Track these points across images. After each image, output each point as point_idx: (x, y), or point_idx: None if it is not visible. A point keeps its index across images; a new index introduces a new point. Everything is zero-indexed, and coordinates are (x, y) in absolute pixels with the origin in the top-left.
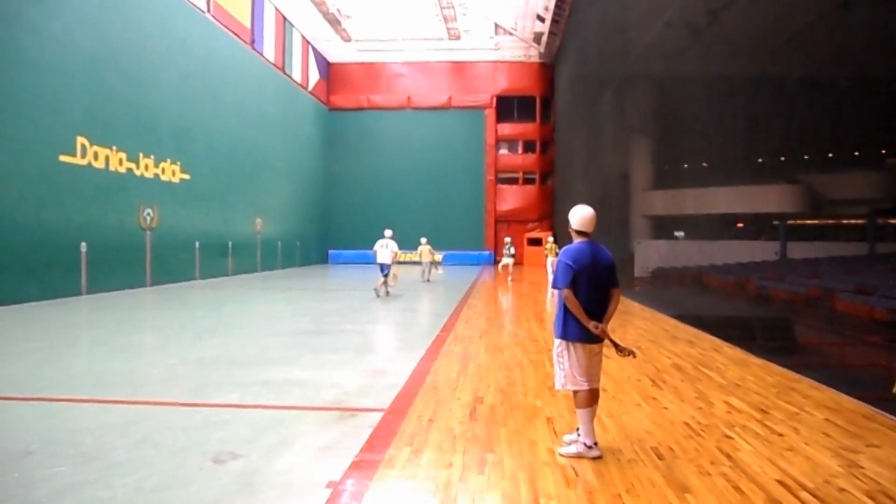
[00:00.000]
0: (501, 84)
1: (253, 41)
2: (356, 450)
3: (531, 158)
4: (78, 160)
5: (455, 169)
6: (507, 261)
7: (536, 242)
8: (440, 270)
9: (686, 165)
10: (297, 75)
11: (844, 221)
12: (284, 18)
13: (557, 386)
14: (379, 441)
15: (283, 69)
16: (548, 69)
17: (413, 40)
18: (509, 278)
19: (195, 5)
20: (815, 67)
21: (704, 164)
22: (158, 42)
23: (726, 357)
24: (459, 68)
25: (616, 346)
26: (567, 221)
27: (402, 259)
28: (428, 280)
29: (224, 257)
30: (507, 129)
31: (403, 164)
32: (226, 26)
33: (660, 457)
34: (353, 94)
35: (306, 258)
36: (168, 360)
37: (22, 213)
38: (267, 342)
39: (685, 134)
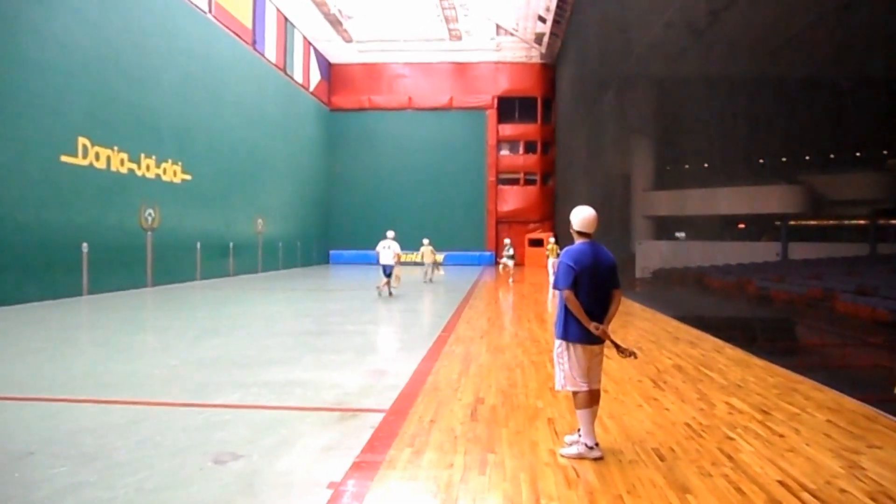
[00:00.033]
0: (502, 85)
1: (254, 42)
2: (357, 450)
3: (532, 159)
4: (79, 160)
5: (456, 169)
6: (506, 262)
7: (538, 243)
8: (441, 272)
9: (687, 166)
10: (298, 76)
11: (846, 222)
12: (286, 19)
13: (557, 386)
14: (380, 442)
15: (284, 70)
16: (549, 70)
17: (414, 41)
18: (510, 279)
19: (196, 6)
20: (816, 68)
21: (705, 165)
22: (159, 42)
23: (728, 358)
24: (460, 69)
25: (617, 347)
26: (568, 222)
27: (403, 260)
28: (430, 280)
29: (225, 258)
30: (508, 129)
31: (404, 165)
32: (227, 27)
33: (661, 458)
34: (354, 95)
35: (307, 258)
36: (169, 360)
37: (23, 214)
38: (268, 342)
39: (686, 134)
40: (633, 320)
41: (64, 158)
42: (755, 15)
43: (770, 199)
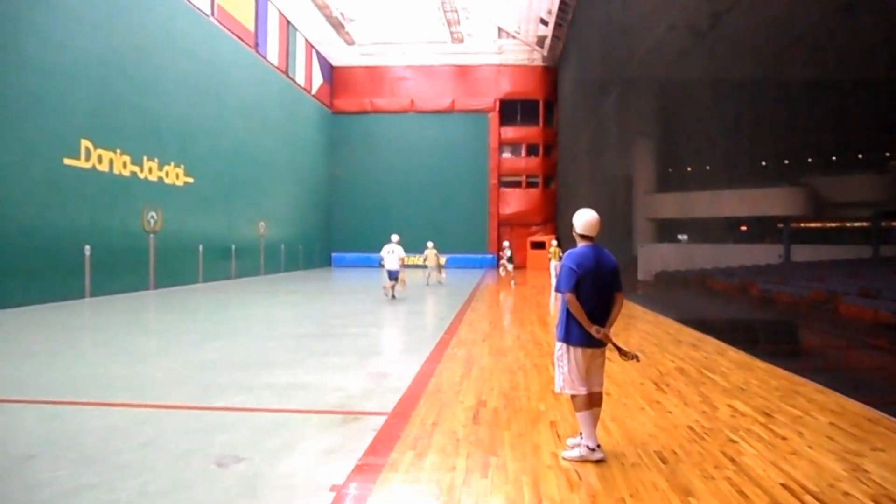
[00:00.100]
0: (504, 87)
1: (257, 45)
2: (359, 453)
3: (534, 162)
4: (82, 163)
5: (458, 172)
6: (505, 264)
7: (540, 246)
8: (443, 275)
9: (689, 168)
10: (300, 79)
11: (848, 224)
12: (288, 22)
13: (556, 389)
14: (382, 445)
15: (286, 73)
16: (551, 72)
17: (416, 44)
18: (512, 282)
19: (199, 9)
20: (818, 70)
21: (708, 168)
22: (162, 46)
23: (730, 360)
24: (462, 72)
25: (619, 350)
26: (571, 225)
27: (406, 263)
28: (439, 283)
29: (227, 260)
30: (510, 132)
31: (406, 168)
32: (229, 30)
33: (663, 461)
34: (356, 98)
35: (309, 261)
36: (171, 363)
37: (26, 216)
38: (270, 345)
39: (688, 137)
40: (635, 323)
41: (67, 161)
42: (757, 18)
43: (772, 202)
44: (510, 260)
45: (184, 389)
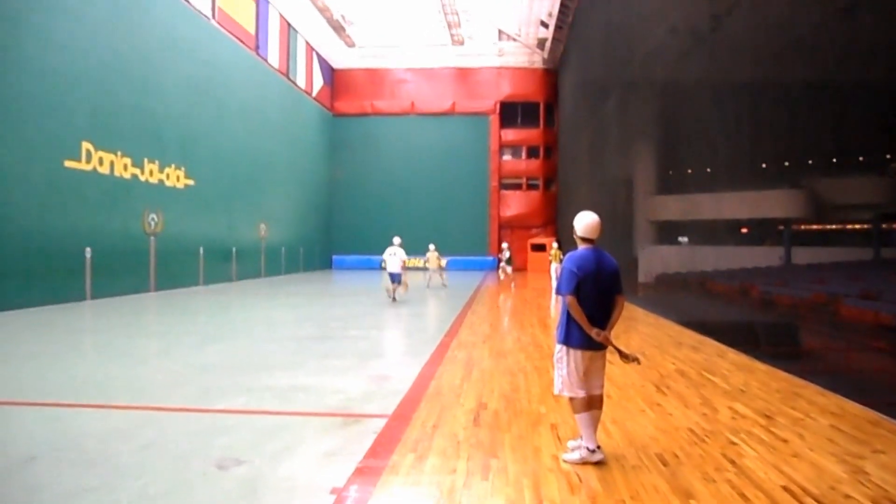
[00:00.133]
0: (505, 90)
1: (257, 47)
2: (360, 456)
3: (535, 164)
4: (83, 165)
5: (459, 174)
6: (504, 267)
7: (540, 248)
8: (443, 278)
9: (690, 170)
10: (301, 81)
11: (849, 226)
12: (289, 24)
13: (555, 391)
14: (383, 447)
15: (287, 75)
16: (551, 75)
17: (417, 46)
18: (512, 284)
19: (200, 12)
20: (819, 72)
21: (708, 170)
22: (163, 48)
23: (731, 363)
24: (463, 74)
25: (620, 352)
26: (571, 227)
27: (408, 265)
28: (443, 285)
29: (228, 263)
30: (510, 134)
31: (407, 170)
32: (230, 32)
33: (664, 463)
34: (357, 100)
35: (310, 263)
36: (172, 365)
37: (27, 218)
38: (270, 347)
39: (689, 139)
40: (635, 325)
41: (67, 163)
42: (757, 19)
43: (773, 204)
44: (509, 262)
45: (184, 392)
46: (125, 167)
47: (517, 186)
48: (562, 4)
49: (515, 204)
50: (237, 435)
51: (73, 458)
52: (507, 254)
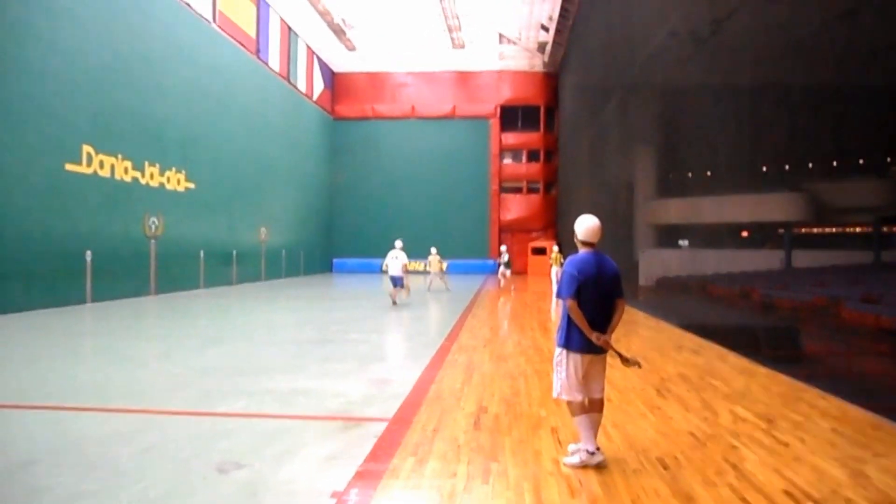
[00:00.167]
0: (505, 93)
1: (258, 51)
2: (360, 459)
3: (535, 167)
4: (84, 169)
5: (459, 178)
6: (504, 271)
7: (541, 252)
8: (445, 281)
9: (690, 174)
10: (301, 85)
11: (849, 229)
12: (289, 28)
13: (554, 394)
14: (383, 451)
15: (287, 79)
16: (552, 78)
17: (417, 50)
18: (512, 287)
19: (201, 15)
20: (819, 75)
21: (709, 173)
22: (164, 51)
23: (731, 366)
24: (463, 78)
25: (621, 356)
26: (572, 231)
27: (409, 269)
28: (447, 289)
29: (228, 266)
30: (511, 138)
31: (408, 174)
32: (231, 36)
33: (665, 467)
34: (357, 104)
35: (310, 267)
36: (173, 368)
37: (28, 222)
38: (271, 351)
39: (689, 142)
40: (636, 329)
41: (68, 167)
42: (758, 23)
43: (773, 207)
44: (508, 265)
45: (185, 395)
46: (126, 170)
47: (518, 190)
48: (562, 8)
49: (516, 207)
50: (237, 438)
51: (73, 461)
52: (505, 257)
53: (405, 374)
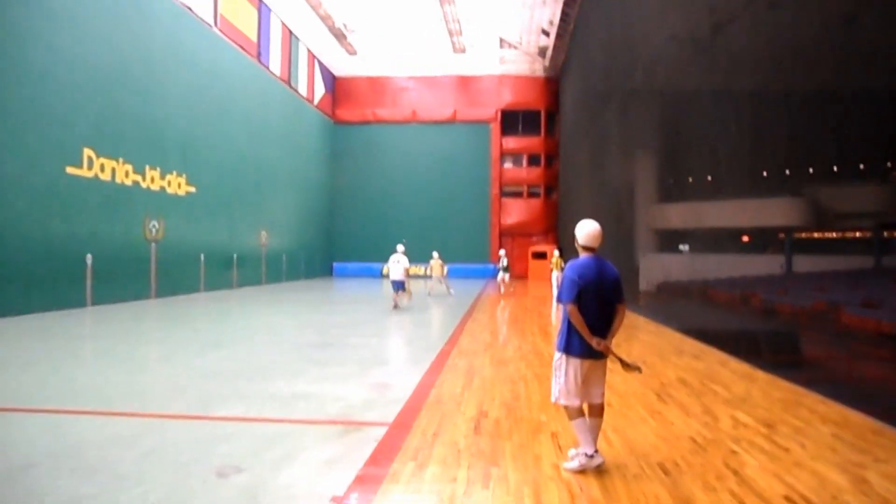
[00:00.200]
0: (506, 98)
1: (259, 55)
2: (360, 464)
3: (536, 172)
4: (84, 172)
5: (460, 182)
6: (502, 275)
7: (541, 256)
8: (442, 285)
9: (691, 179)
10: (302, 89)
11: (850, 235)
12: (291, 32)
13: (552, 399)
14: (383, 455)
15: (289, 83)
16: (552, 83)
17: (418, 54)
18: (511, 289)
19: (202, 19)
20: (820, 81)
21: (709, 178)
22: (166, 55)
23: (732, 371)
24: (464, 82)
25: (622, 361)
26: (572, 235)
27: (410, 273)
28: (449, 294)
29: (229, 269)
30: (511, 142)
31: (408, 178)
32: (232, 40)
33: (665, 472)
34: (358, 108)
35: (311, 271)
36: (173, 372)
37: (28, 225)
38: (272, 355)
39: (690, 147)
40: (637, 333)
41: (69, 170)
42: (758, 28)
43: (774, 212)
44: (506, 270)
45: (185, 399)
46: (127, 174)
47: (518, 194)
48: (563, 13)
49: (516, 212)
50: (237, 442)
51: (73, 465)
52: (505, 261)
53: (405, 378)
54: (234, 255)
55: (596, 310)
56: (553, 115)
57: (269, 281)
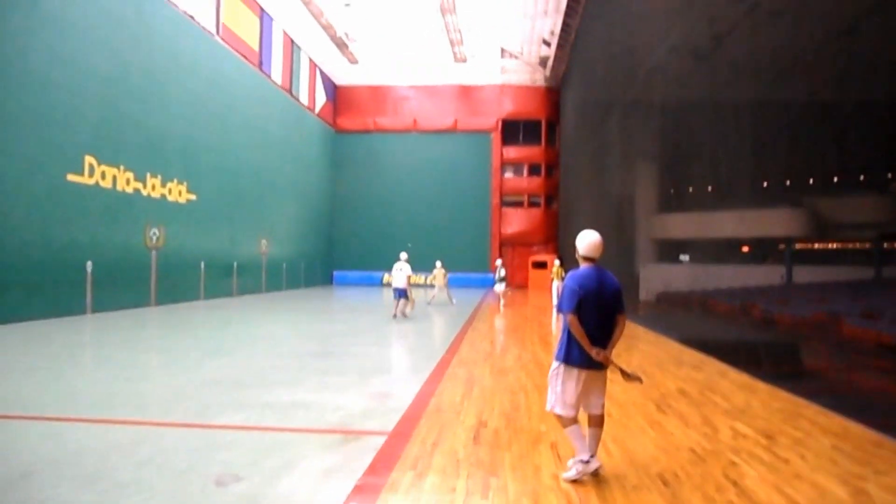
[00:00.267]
0: (507, 107)
1: (261, 63)
2: (359, 473)
3: (536, 182)
4: (85, 179)
5: (460, 192)
6: (499, 287)
7: (541, 266)
8: (444, 294)
9: (691, 189)
10: (304, 97)
11: (850, 245)
12: (292, 41)
13: (547, 407)
14: (382, 465)
15: (290, 91)
16: (553, 93)
17: (419, 64)
18: (510, 296)
19: (204, 27)
20: (820, 91)
21: (709, 188)
22: (167, 63)
23: (732, 382)
24: (465, 92)
25: (622, 371)
26: (572, 245)
27: (413, 282)
28: (451, 303)
29: (229, 277)
30: (512, 152)
31: (409, 187)
32: (234, 48)
33: (665, 483)
34: (359, 117)
35: (311, 279)
36: (172, 380)
37: (29, 232)
38: (271, 363)
39: (690, 158)
40: (636, 344)
41: (70, 177)
42: (758, 39)
43: (774, 223)
44: (503, 280)
45: (184, 407)
46: (127, 181)
47: (518, 204)
48: (564, 23)
49: (517, 221)
50: (237, 451)
51: (73, 472)
52: (502, 271)
53: (405, 387)
54: (235, 263)
55: (596, 320)
56: (554, 125)
57: (269, 289)
